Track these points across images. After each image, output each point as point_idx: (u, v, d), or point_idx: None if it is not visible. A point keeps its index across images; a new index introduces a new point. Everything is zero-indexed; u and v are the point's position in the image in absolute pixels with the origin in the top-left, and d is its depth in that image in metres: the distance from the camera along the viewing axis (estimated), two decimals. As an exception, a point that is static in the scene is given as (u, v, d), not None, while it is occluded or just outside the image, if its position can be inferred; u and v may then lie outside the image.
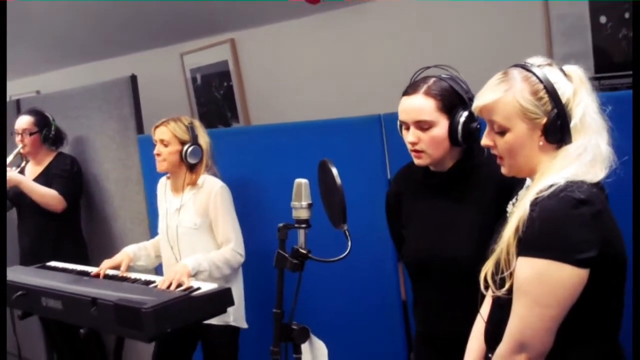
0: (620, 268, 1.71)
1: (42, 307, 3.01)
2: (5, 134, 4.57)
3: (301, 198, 2.04)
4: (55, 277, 3.24)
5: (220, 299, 2.80)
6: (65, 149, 4.58)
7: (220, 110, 5.19)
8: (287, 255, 2.02)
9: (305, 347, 2.07)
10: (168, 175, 3.34)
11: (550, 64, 1.77)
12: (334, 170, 1.98)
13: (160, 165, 3.25)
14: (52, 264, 3.60)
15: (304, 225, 2.04)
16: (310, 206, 2.05)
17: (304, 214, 2.04)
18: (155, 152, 3.23)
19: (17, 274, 3.34)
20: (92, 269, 3.30)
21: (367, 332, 3.08)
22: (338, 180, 1.97)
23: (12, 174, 4.22)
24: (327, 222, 2.08)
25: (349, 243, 1.98)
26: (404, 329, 2.98)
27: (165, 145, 3.19)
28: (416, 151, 2.13)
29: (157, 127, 3.23)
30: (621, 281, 1.73)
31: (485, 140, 1.82)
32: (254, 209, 3.30)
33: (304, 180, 2.06)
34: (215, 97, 5.19)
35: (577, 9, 3.28)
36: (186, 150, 3.17)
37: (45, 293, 2.98)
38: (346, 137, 3.05)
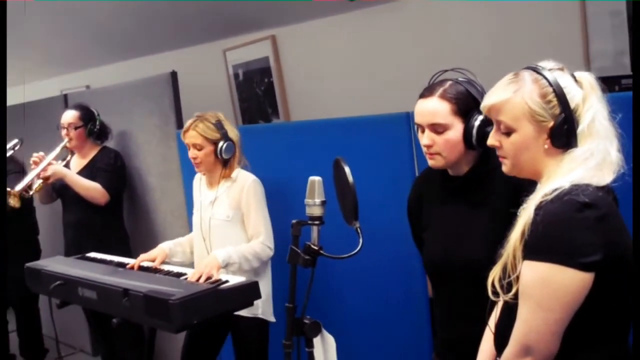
0: (628, 271, 1.70)
1: (78, 297, 3.09)
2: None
3: (314, 195, 2.08)
4: (92, 268, 3.32)
5: (248, 292, 2.84)
6: (110, 143, 4.67)
7: (261, 106, 5.25)
8: (299, 252, 2.06)
9: (317, 341, 2.11)
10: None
11: (561, 69, 1.78)
12: (347, 169, 2.01)
13: (199, 168, 3.32)
14: (92, 255, 3.69)
15: (317, 222, 2.08)
16: (323, 203, 2.09)
17: (317, 211, 2.08)
18: (190, 156, 3.29)
19: (57, 264, 3.43)
20: (129, 261, 3.38)
21: (393, 328, 3.11)
22: (350, 178, 2.00)
23: (57, 167, 4.32)
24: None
25: (360, 240, 2.01)
26: (430, 326, 3.00)
27: (199, 149, 3.25)
28: (431, 154, 2.15)
29: (185, 131, 3.27)
30: (627, 284, 1.73)
31: (491, 140, 1.84)
32: (285, 204, 3.35)
33: (317, 178, 2.10)
34: (256, 93, 5.25)
35: (615, 6, 3.24)
36: (221, 148, 3.22)
37: (81, 283, 3.06)
38: (375, 135, 3.08)
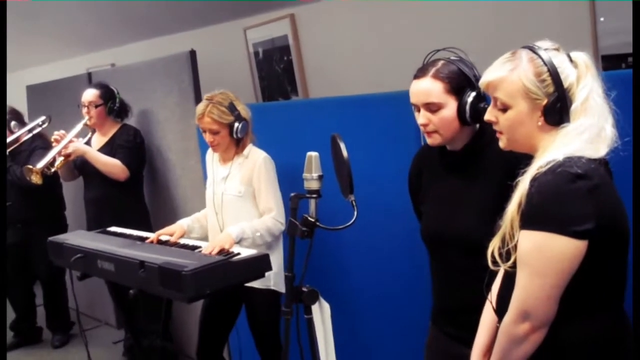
0: (621, 238, 1.78)
1: (97, 269, 3.20)
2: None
3: (312, 170, 2.18)
4: (112, 241, 3.43)
5: (258, 264, 2.94)
6: (131, 121, 4.77)
7: (280, 83, 5.32)
8: (297, 223, 2.15)
9: (315, 308, 2.20)
10: None
11: (557, 49, 1.85)
12: (342, 145, 2.09)
13: (217, 150, 3.40)
14: (112, 229, 3.80)
15: (314, 196, 2.17)
16: (320, 178, 2.18)
17: (314, 185, 2.18)
18: (208, 140, 3.35)
19: (78, 238, 3.56)
20: (148, 235, 3.49)
21: (398, 299, 3.19)
22: (345, 153, 2.08)
23: (78, 144, 4.44)
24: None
25: (355, 213, 2.09)
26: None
27: (216, 133, 3.31)
28: (428, 132, 2.21)
29: (200, 117, 3.32)
30: (623, 253, 1.80)
31: (488, 115, 1.92)
32: (299, 180, 3.43)
33: (314, 153, 2.18)
34: (275, 71, 5.31)
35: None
36: (236, 129, 3.29)
37: (100, 256, 3.18)
38: (385, 112, 3.14)
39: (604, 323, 1.80)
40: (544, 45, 1.85)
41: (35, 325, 5.71)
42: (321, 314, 2.22)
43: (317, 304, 2.21)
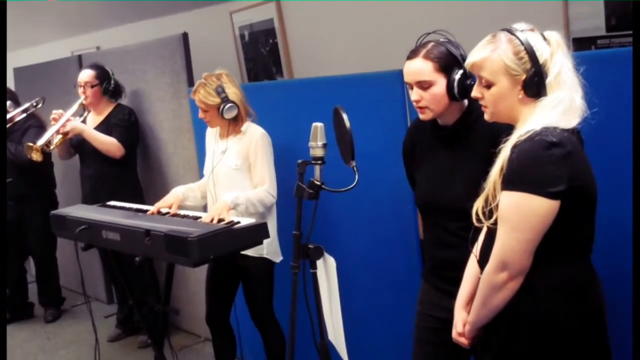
0: (590, 199, 2.02)
1: (102, 239, 3.36)
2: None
3: (317, 138, 2.40)
4: (114, 213, 3.59)
5: (257, 232, 3.14)
6: (124, 101, 4.92)
7: (266, 65, 5.49)
8: (304, 187, 2.37)
9: (320, 263, 2.42)
10: None
11: (532, 29, 2.07)
12: (345, 115, 2.31)
13: (211, 125, 3.59)
14: (112, 203, 3.95)
15: (319, 162, 2.40)
16: (325, 146, 2.40)
17: (319, 152, 2.40)
18: (200, 116, 3.55)
19: (81, 211, 3.72)
20: (147, 208, 3.64)
21: (388, 265, 3.38)
22: (347, 123, 2.30)
23: (75, 123, 4.58)
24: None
25: (357, 176, 2.32)
26: (421, 264, 3.29)
27: (205, 111, 3.51)
28: (420, 107, 2.43)
29: (193, 94, 3.51)
30: (591, 211, 2.04)
31: (474, 92, 2.14)
32: (288, 154, 3.54)
33: (319, 124, 2.40)
34: (261, 53, 5.48)
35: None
36: (221, 111, 3.45)
37: (105, 227, 3.34)
38: (370, 91, 3.31)
39: (573, 272, 2.04)
40: (520, 27, 2.07)
41: (27, 301, 5.86)
42: (326, 268, 2.43)
43: (321, 259, 2.43)
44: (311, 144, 2.41)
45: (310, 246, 2.41)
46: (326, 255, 2.45)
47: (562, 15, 3.56)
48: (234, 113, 3.48)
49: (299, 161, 2.41)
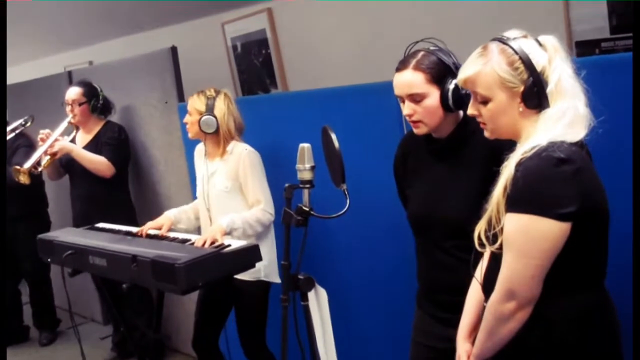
0: (603, 219, 1.86)
1: (89, 265, 3.24)
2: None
3: (304, 161, 2.25)
4: (102, 237, 3.47)
5: (249, 255, 3.00)
6: (114, 118, 4.79)
7: (259, 77, 5.38)
8: (292, 213, 2.23)
9: (311, 295, 2.28)
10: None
11: (525, 36, 1.92)
12: (333, 136, 2.17)
13: (189, 132, 3.51)
14: (100, 225, 3.83)
15: (307, 186, 2.25)
16: (313, 168, 2.25)
17: (307, 175, 2.26)
18: (184, 120, 3.50)
19: (68, 235, 3.60)
20: (136, 229, 3.52)
21: (385, 285, 3.26)
22: (336, 144, 2.15)
23: (63, 142, 4.45)
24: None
25: (347, 201, 2.17)
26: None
27: (190, 115, 3.45)
28: (414, 122, 2.28)
29: (189, 98, 3.48)
30: (604, 231, 1.88)
31: (470, 110, 1.99)
32: (283, 171, 3.46)
33: (306, 145, 2.25)
34: (254, 65, 5.38)
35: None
36: (199, 120, 3.38)
37: (92, 252, 3.22)
38: (365, 103, 3.19)
39: (586, 300, 1.88)
40: (512, 35, 1.92)
41: (22, 324, 5.73)
42: (317, 300, 2.29)
43: (313, 291, 2.28)
44: (298, 166, 2.26)
45: (300, 277, 2.26)
46: (317, 286, 2.30)
47: (564, 16, 3.43)
48: (211, 128, 3.39)
49: (286, 185, 2.27)
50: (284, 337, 2.24)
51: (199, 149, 3.63)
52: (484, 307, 1.97)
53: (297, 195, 2.37)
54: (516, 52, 1.87)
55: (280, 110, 3.75)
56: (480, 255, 2.00)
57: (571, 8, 3.41)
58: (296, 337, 2.35)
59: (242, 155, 3.38)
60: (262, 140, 3.52)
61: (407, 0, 4.19)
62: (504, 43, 1.89)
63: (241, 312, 3.53)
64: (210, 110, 3.38)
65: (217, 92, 3.45)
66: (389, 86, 3.02)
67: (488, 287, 1.95)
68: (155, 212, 4.18)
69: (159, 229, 3.45)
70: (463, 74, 1.94)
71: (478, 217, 1.91)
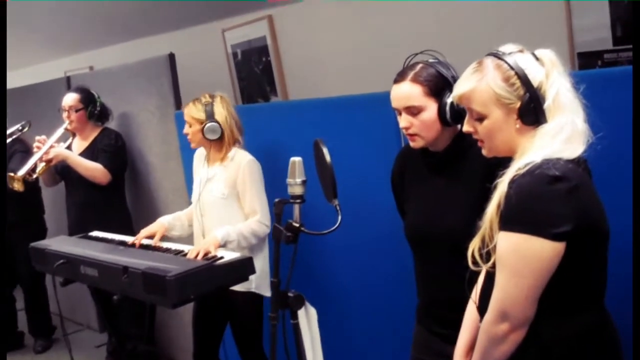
0: (601, 239, 1.80)
1: (80, 275, 3.19)
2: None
3: (295, 175, 2.19)
4: (94, 246, 3.42)
5: (242, 268, 2.94)
6: (111, 124, 4.75)
7: (259, 84, 5.33)
8: (281, 229, 2.16)
9: (301, 313, 2.21)
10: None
11: (521, 51, 1.87)
12: (325, 150, 2.11)
13: (191, 143, 3.45)
14: (94, 234, 3.79)
15: (298, 201, 2.19)
16: (304, 183, 2.19)
17: (298, 190, 2.19)
18: (184, 131, 3.45)
19: (60, 243, 3.55)
20: (130, 239, 3.47)
21: (385, 300, 3.20)
22: (328, 158, 2.09)
23: (59, 149, 4.40)
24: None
25: (339, 217, 2.11)
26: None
27: (190, 126, 3.40)
28: (410, 135, 2.23)
29: (184, 107, 3.44)
30: (602, 251, 1.82)
31: (466, 127, 1.94)
32: (281, 181, 3.43)
33: (297, 159, 2.19)
34: (254, 72, 5.33)
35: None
36: (202, 129, 3.34)
37: (83, 261, 3.17)
38: (365, 112, 3.14)
39: (584, 321, 1.82)
40: (508, 50, 1.87)
41: (17, 331, 5.68)
42: (307, 319, 2.23)
43: (303, 309, 2.22)
44: (289, 181, 2.20)
45: (290, 294, 2.20)
46: (307, 304, 2.24)
47: (565, 27, 3.37)
48: (216, 134, 3.34)
49: (276, 200, 2.21)
50: (272, 356, 2.17)
51: (200, 154, 3.59)
52: (479, 326, 1.91)
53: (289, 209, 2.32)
54: (512, 68, 1.81)
55: (279, 119, 3.70)
56: (476, 272, 1.94)
57: (574, 18, 3.35)
58: (286, 357, 2.29)
59: (243, 163, 3.33)
60: (261, 149, 3.48)
61: (409, 9, 4.14)
62: (499, 58, 1.84)
63: (236, 323, 3.49)
64: (210, 116, 3.34)
65: (213, 97, 3.41)
66: (389, 96, 3.00)
67: (483, 306, 1.89)
68: (151, 219, 4.11)
69: (153, 235, 3.41)
70: (458, 91, 1.89)
71: (474, 233, 1.86)
